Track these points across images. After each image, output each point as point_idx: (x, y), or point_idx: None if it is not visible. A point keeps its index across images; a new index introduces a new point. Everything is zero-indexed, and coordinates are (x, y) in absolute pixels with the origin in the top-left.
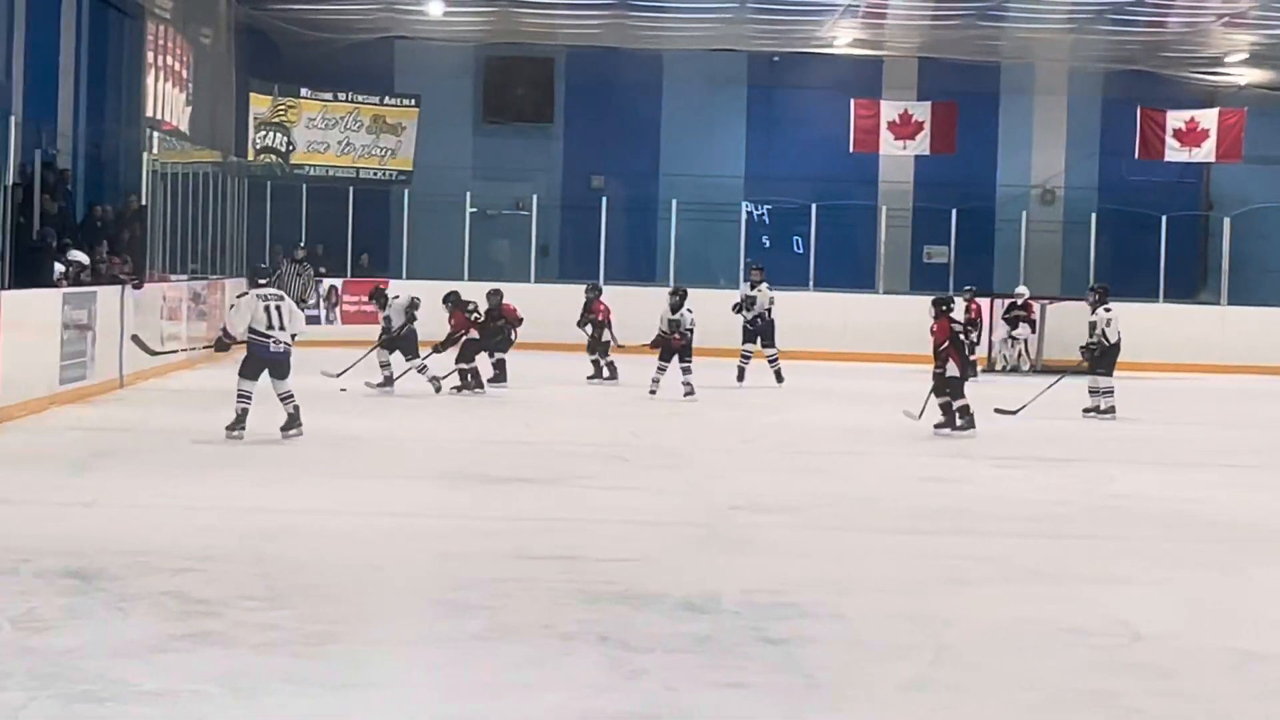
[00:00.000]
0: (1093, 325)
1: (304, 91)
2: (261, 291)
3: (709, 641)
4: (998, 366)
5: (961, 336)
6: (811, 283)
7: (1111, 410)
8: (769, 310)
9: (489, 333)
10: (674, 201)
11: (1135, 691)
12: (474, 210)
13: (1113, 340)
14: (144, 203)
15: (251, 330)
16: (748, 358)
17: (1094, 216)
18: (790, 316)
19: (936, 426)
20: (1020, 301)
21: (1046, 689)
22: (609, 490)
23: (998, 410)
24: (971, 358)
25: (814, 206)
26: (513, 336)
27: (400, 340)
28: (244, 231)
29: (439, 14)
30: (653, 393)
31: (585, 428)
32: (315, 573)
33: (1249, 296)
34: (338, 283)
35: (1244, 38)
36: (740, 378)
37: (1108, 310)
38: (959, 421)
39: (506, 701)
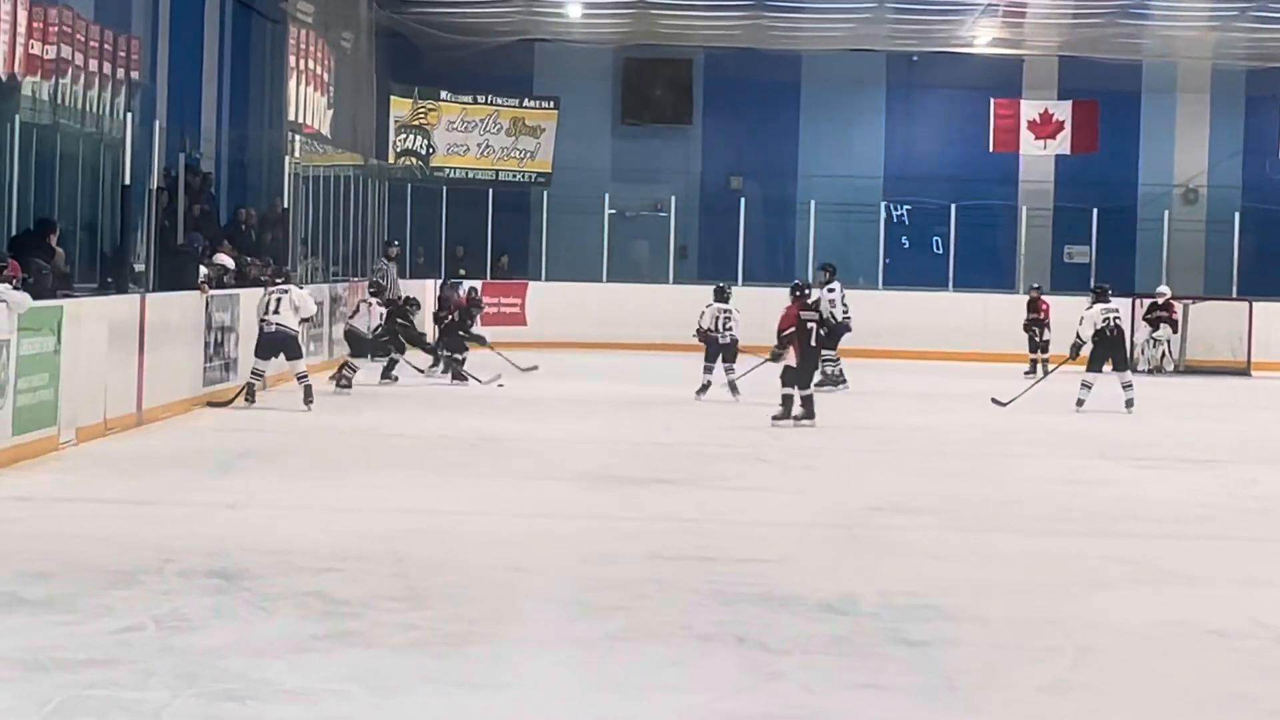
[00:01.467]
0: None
1: (444, 94)
2: (273, 286)
3: (847, 643)
4: (1140, 367)
5: (810, 326)
6: (951, 283)
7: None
8: (834, 314)
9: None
10: (813, 202)
11: (1276, 695)
12: (613, 211)
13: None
14: (285, 206)
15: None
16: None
17: (1237, 216)
18: (930, 317)
19: (774, 419)
20: (1162, 301)
21: (1187, 692)
22: (747, 492)
23: (994, 401)
24: (1043, 356)
25: (953, 206)
26: (460, 334)
27: (375, 342)
28: (385, 234)
29: (578, 16)
30: (736, 395)
31: (724, 429)
32: (455, 573)
33: None
34: (477, 284)
35: None
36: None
37: (1092, 309)
38: (797, 412)
39: (643, 702)
